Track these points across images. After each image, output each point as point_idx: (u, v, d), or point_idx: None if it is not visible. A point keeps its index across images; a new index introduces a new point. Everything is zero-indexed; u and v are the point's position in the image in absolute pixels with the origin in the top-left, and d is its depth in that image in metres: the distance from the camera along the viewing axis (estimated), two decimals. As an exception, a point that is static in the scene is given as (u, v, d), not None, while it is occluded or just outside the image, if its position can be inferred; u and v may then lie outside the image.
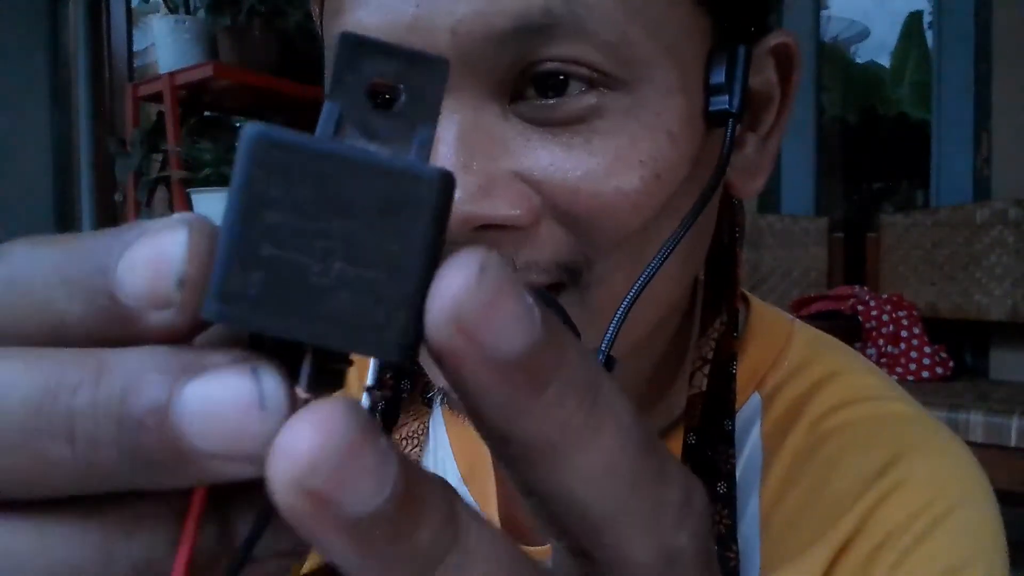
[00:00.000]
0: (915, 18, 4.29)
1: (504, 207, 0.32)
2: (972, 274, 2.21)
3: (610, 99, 0.32)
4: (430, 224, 0.13)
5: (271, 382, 0.13)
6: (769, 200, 2.67)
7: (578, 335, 0.33)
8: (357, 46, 0.14)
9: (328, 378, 0.14)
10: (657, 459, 0.14)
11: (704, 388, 0.41)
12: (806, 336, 0.47)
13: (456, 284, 0.12)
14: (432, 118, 0.14)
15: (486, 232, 0.32)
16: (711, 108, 0.35)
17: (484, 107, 0.33)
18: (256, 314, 0.13)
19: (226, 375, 0.13)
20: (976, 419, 1.71)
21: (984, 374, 2.32)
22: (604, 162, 0.32)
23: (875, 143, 3.48)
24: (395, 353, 0.13)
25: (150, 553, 0.14)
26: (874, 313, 2.14)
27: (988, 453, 1.66)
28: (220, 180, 1.91)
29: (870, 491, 0.40)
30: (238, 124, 2.53)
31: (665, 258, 0.33)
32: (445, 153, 0.32)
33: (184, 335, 0.14)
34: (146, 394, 0.13)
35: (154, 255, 0.13)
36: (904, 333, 2.13)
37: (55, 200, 3.14)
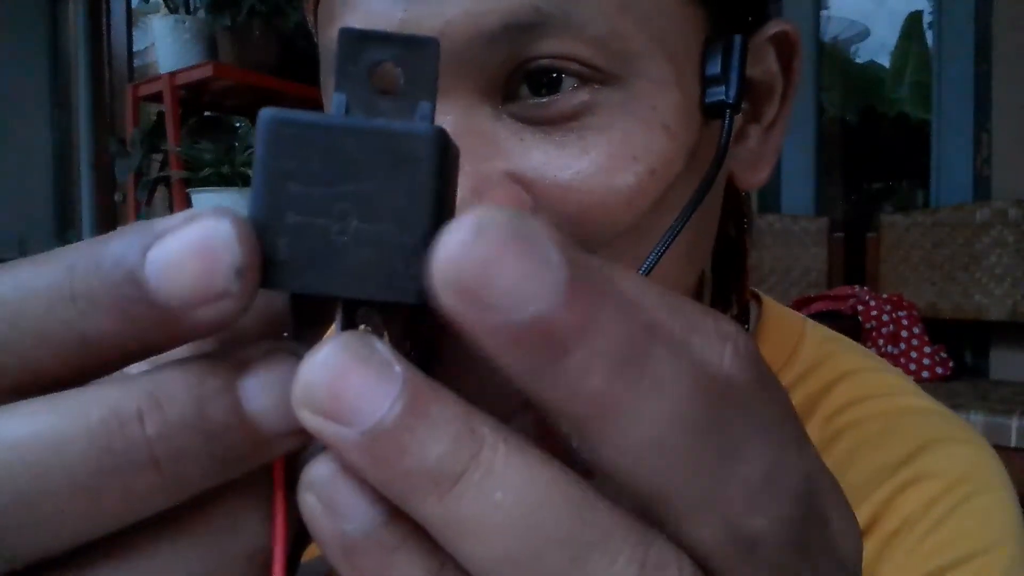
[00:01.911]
0: (915, 18, 4.29)
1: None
2: (972, 274, 2.21)
3: (603, 95, 0.32)
4: (430, 175, 0.14)
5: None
6: (769, 200, 2.66)
7: None
8: (356, 38, 0.16)
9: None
10: (729, 431, 0.13)
11: None
12: (819, 335, 0.46)
13: (451, 246, 0.12)
14: (430, 95, 0.16)
15: None
16: (708, 100, 0.34)
17: (476, 107, 0.32)
18: (288, 276, 0.14)
19: (276, 361, 0.14)
20: (976, 419, 1.71)
21: (984, 374, 2.32)
22: (598, 159, 0.32)
23: (875, 143, 3.48)
24: (413, 296, 0.14)
25: (257, 540, 0.15)
26: (874, 313, 2.14)
27: (988, 453, 1.66)
28: (220, 180, 1.91)
29: (887, 483, 0.40)
30: (238, 124, 2.53)
31: (663, 252, 0.32)
32: None
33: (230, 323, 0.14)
34: (220, 400, 0.14)
35: (199, 248, 0.13)
36: (904, 333, 2.13)
37: (55, 200, 3.14)
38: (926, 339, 2.14)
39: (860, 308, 2.15)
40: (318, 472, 0.13)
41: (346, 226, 0.14)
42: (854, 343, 0.47)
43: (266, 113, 0.14)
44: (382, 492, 0.13)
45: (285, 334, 0.16)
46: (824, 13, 2.84)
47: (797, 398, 0.44)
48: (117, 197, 2.42)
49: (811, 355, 0.44)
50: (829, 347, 0.45)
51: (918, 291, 2.27)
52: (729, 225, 0.43)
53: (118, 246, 0.13)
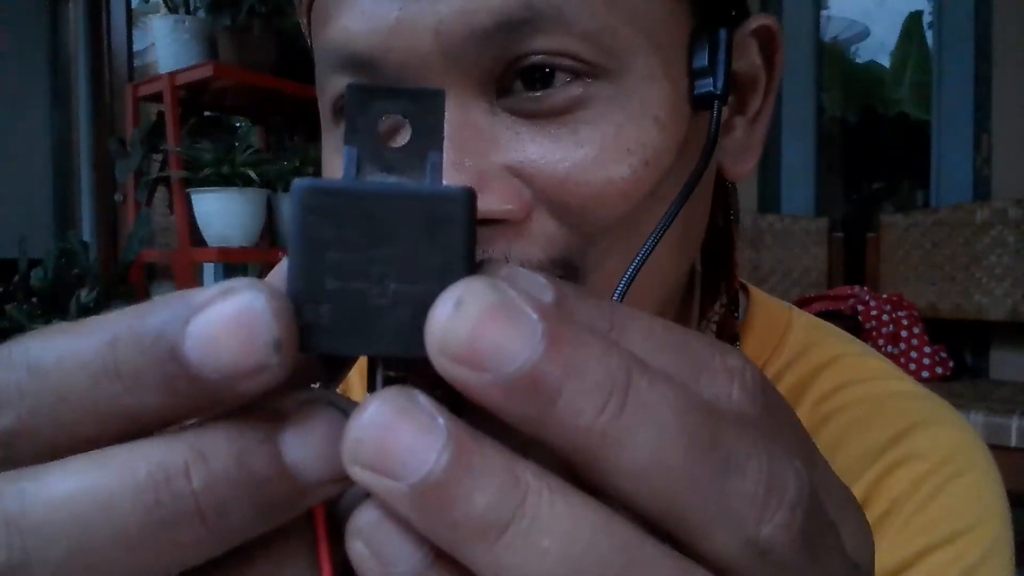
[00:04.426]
0: (915, 18, 4.29)
1: (497, 202, 0.32)
2: (972, 274, 2.21)
3: (595, 88, 0.33)
4: (464, 234, 0.15)
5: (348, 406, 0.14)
6: (769, 200, 2.67)
7: None
8: (364, 92, 0.16)
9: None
10: (723, 451, 0.14)
11: None
12: (806, 323, 0.47)
13: (438, 319, 0.13)
14: (438, 144, 0.16)
15: (481, 227, 0.33)
16: (696, 92, 0.35)
17: (472, 104, 0.33)
18: (331, 339, 0.15)
19: (312, 412, 0.15)
20: (976, 419, 1.71)
21: (984, 374, 2.32)
22: (592, 151, 0.33)
23: (875, 143, 3.48)
24: None
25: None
26: (874, 313, 2.14)
27: (988, 453, 1.66)
28: (220, 180, 1.91)
29: (875, 465, 0.41)
30: (238, 124, 2.53)
31: (657, 241, 0.33)
32: None
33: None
34: (261, 451, 0.14)
35: (237, 323, 0.13)
36: (904, 333, 2.13)
37: (55, 200, 3.14)
38: (926, 339, 2.14)
39: (860, 308, 2.15)
40: (365, 519, 0.14)
41: (384, 289, 0.15)
42: (839, 329, 0.48)
43: (299, 184, 0.15)
44: (432, 540, 0.13)
45: (317, 384, 0.16)
46: (824, 13, 2.84)
47: (786, 384, 0.44)
48: (117, 197, 2.42)
49: (798, 342, 0.46)
50: (815, 334, 0.46)
51: (918, 291, 2.27)
52: (718, 216, 0.44)
53: (158, 320, 0.14)
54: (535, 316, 0.13)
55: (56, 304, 1.99)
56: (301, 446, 0.14)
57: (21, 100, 3.02)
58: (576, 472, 0.14)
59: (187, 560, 0.14)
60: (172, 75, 2.03)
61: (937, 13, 2.51)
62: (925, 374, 2.09)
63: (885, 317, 2.14)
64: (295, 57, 2.12)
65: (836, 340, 0.47)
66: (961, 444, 0.42)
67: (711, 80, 0.35)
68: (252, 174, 1.92)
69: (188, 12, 2.12)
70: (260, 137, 2.42)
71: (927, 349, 2.12)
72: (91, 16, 3.10)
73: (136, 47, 3.17)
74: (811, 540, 0.14)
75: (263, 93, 2.11)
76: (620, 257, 0.34)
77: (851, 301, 2.18)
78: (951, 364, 2.15)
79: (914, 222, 2.32)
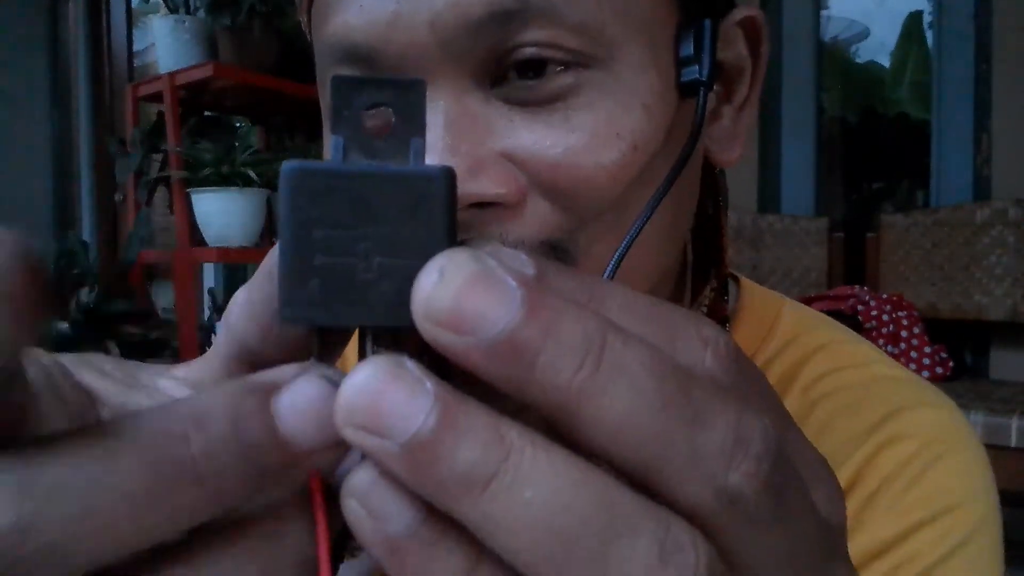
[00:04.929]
0: (915, 18, 4.29)
1: (492, 186, 0.34)
2: (972, 274, 2.21)
3: (586, 77, 0.34)
4: (444, 210, 0.16)
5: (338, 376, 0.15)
6: (769, 200, 2.67)
7: None
8: (349, 84, 0.17)
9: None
10: (693, 406, 0.15)
11: None
12: (795, 312, 0.48)
13: (422, 288, 0.14)
14: (420, 131, 0.17)
15: (477, 210, 0.34)
16: (683, 79, 0.37)
17: (468, 93, 0.35)
18: (321, 312, 0.16)
19: (304, 382, 0.16)
20: (976, 419, 1.71)
21: (984, 374, 2.32)
22: (583, 137, 0.34)
23: (875, 143, 3.48)
24: None
25: (302, 546, 0.16)
26: (874, 313, 2.14)
27: (988, 453, 1.66)
28: (220, 180, 1.91)
29: (864, 446, 0.42)
30: (238, 124, 2.53)
31: (646, 221, 0.34)
32: (434, 138, 0.34)
33: None
34: (256, 420, 0.15)
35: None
36: (904, 333, 2.13)
37: (55, 200, 3.14)
38: (926, 339, 2.14)
39: (860, 308, 2.15)
40: (359, 480, 0.15)
41: (371, 263, 0.16)
42: (828, 318, 0.50)
43: (288, 166, 0.16)
44: (422, 496, 0.14)
45: (312, 358, 0.17)
46: (824, 13, 2.84)
47: (777, 371, 0.45)
48: (117, 197, 2.42)
49: (788, 330, 0.47)
50: (805, 323, 0.48)
51: (918, 291, 2.27)
52: (707, 204, 0.46)
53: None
54: (514, 284, 0.14)
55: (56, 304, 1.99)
56: (294, 415, 0.15)
57: (21, 100, 3.02)
58: (558, 433, 0.15)
59: (186, 521, 0.15)
60: (172, 75, 2.03)
61: (937, 13, 2.51)
62: (925, 374, 2.09)
63: (885, 317, 2.14)
64: (295, 57, 2.12)
65: (825, 327, 0.48)
66: (947, 425, 0.43)
67: (697, 68, 0.36)
68: (252, 174, 1.92)
69: (188, 12, 2.12)
70: (260, 137, 2.42)
71: (927, 349, 2.12)
72: (91, 16, 3.10)
73: (136, 47, 3.17)
74: (778, 491, 0.15)
75: (263, 93, 2.11)
76: (610, 240, 0.36)
77: (851, 301, 2.18)
78: (951, 364, 2.15)
79: (914, 222, 2.32)
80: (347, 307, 0.16)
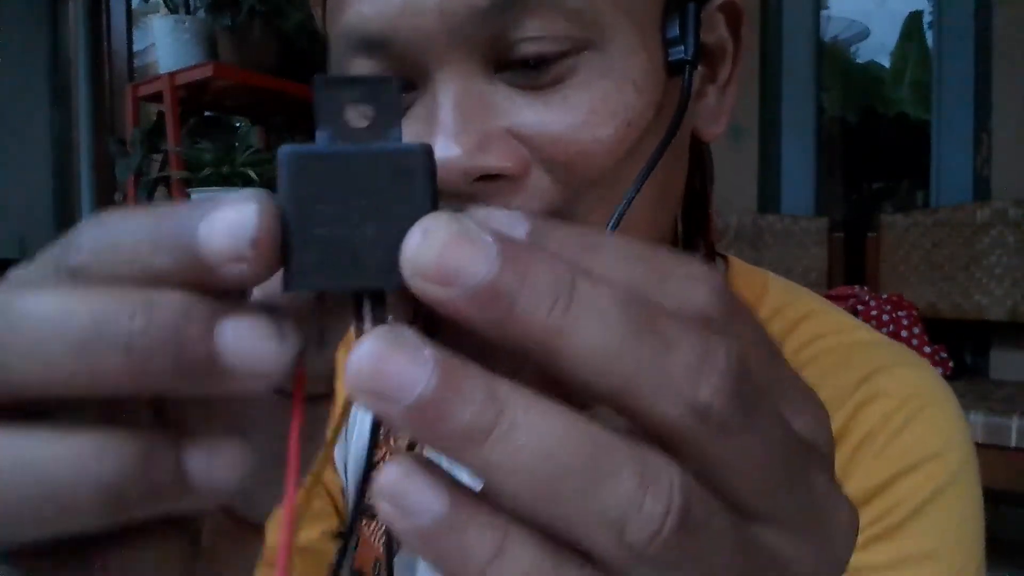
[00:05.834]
0: (915, 18, 4.29)
1: (498, 160, 0.37)
2: (972, 274, 2.21)
3: (582, 60, 0.37)
4: (425, 181, 0.18)
5: (292, 332, 0.17)
6: (769, 200, 2.67)
7: None
8: (328, 83, 0.19)
9: (383, 315, 0.19)
10: (660, 333, 0.16)
11: None
12: (780, 284, 0.52)
13: (409, 247, 0.16)
14: (396, 123, 0.19)
15: (484, 183, 0.37)
16: (670, 59, 0.40)
17: (474, 76, 0.38)
18: (320, 278, 0.18)
19: (257, 319, 0.17)
20: (976, 419, 1.71)
21: (984, 374, 2.32)
22: (581, 115, 0.37)
23: (875, 143, 3.48)
24: None
25: (201, 463, 0.18)
26: (874, 313, 2.14)
27: (988, 453, 1.66)
28: (220, 180, 1.91)
29: (846, 405, 0.45)
30: (238, 124, 2.53)
31: (638, 189, 0.38)
32: (445, 118, 0.37)
33: (248, 288, 0.18)
34: (198, 325, 0.16)
35: (230, 221, 0.17)
36: (904, 333, 2.13)
37: (55, 200, 3.14)
38: (926, 339, 2.14)
39: (860, 308, 2.15)
40: (386, 481, 0.16)
41: (363, 232, 0.18)
42: (809, 291, 0.53)
43: (285, 150, 0.18)
44: (431, 447, 0.16)
45: (316, 324, 0.20)
46: (824, 13, 2.84)
47: None
48: (117, 197, 2.42)
49: (775, 301, 0.51)
50: (789, 295, 0.52)
51: (918, 291, 2.27)
52: (695, 180, 0.49)
53: (186, 213, 0.17)
54: (489, 239, 0.16)
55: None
56: (230, 332, 0.17)
57: (21, 100, 3.02)
58: (546, 380, 0.17)
59: (108, 387, 0.16)
60: (172, 75, 2.03)
61: (937, 13, 2.51)
62: (925, 374, 2.09)
63: (885, 317, 2.14)
64: (295, 57, 2.12)
65: (808, 298, 0.52)
66: (924, 382, 0.47)
67: (683, 48, 0.40)
68: (252, 174, 1.92)
69: (188, 12, 2.12)
70: (260, 137, 2.42)
71: (927, 349, 2.12)
72: (91, 16, 3.10)
73: (136, 47, 3.17)
74: (747, 404, 0.17)
75: (263, 93, 2.11)
76: (605, 209, 0.39)
77: (851, 301, 2.18)
78: (951, 364, 2.15)
79: (914, 222, 2.32)
80: (344, 273, 0.18)
